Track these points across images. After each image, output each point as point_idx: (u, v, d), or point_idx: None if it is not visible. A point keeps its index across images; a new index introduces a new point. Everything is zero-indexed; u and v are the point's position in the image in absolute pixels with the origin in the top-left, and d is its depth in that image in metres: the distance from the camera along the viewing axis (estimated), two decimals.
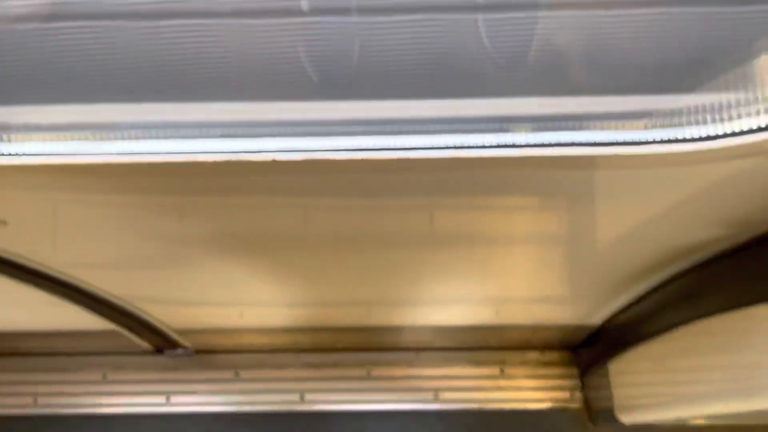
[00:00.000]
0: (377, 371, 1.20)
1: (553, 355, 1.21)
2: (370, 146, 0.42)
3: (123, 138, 0.42)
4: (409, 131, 0.42)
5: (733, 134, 0.39)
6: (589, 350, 1.15)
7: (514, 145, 0.42)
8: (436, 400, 1.18)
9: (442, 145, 0.42)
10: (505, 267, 0.88)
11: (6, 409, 1.18)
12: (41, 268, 0.79)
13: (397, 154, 0.42)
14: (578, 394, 1.18)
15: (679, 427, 1.11)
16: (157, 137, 0.42)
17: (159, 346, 1.20)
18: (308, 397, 1.19)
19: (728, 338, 0.77)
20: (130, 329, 1.09)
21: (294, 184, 0.55)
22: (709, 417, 0.87)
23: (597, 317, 1.07)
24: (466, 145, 0.42)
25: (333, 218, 0.69)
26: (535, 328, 1.14)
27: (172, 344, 1.19)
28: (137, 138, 0.42)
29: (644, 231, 0.68)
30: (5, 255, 0.72)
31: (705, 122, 0.39)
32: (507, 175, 0.51)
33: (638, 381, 1.03)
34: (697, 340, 0.84)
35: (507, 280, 0.94)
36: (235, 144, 0.42)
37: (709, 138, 0.39)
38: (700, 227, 0.65)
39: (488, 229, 0.74)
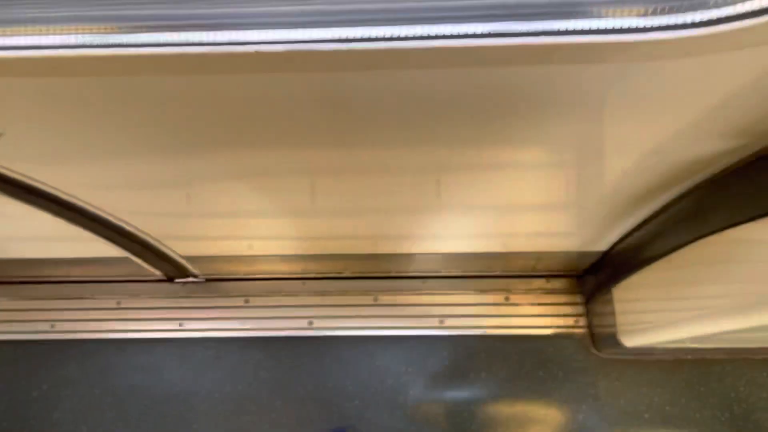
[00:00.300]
0: (384, 298, 1.22)
1: (558, 283, 1.22)
2: (360, 36, 0.41)
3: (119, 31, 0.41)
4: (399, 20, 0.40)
5: (744, 16, 0.37)
6: (593, 277, 1.16)
7: (506, 34, 0.40)
8: (441, 326, 1.20)
9: (433, 34, 0.40)
10: (509, 193, 0.88)
11: (24, 334, 1.22)
12: (46, 189, 0.79)
13: (389, 44, 0.41)
14: (582, 320, 1.19)
15: (678, 350, 1.13)
16: (147, 29, 0.41)
17: (170, 274, 1.23)
18: (316, 323, 1.21)
19: (730, 256, 0.78)
20: (141, 256, 1.10)
21: (293, 95, 0.55)
22: (709, 337, 0.88)
23: (602, 243, 1.07)
24: (457, 34, 0.40)
25: (337, 139, 0.69)
26: (540, 256, 1.15)
27: (183, 272, 1.21)
28: (133, 30, 0.41)
29: (649, 145, 0.68)
30: (7, 173, 0.72)
31: (709, 5, 0.38)
32: (504, 80, 0.50)
33: (641, 305, 1.04)
34: (699, 261, 0.85)
35: (511, 208, 0.94)
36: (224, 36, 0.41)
37: (715, 22, 0.38)
38: (708, 138, 0.64)
39: (491, 151, 0.73)
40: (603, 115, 0.61)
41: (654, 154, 0.70)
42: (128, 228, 1.00)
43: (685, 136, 0.64)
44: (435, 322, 1.21)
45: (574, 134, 0.67)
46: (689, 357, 1.17)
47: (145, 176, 0.82)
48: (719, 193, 0.70)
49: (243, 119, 0.63)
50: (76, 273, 1.22)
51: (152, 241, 1.06)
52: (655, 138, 0.66)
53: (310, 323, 1.21)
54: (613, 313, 1.12)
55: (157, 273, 1.20)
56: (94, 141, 0.69)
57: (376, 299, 1.23)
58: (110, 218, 0.95)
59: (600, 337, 1.17)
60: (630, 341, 1.07)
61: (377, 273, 1.25)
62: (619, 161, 0.74)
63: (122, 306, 1.22)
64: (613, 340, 1.11)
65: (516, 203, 0.92)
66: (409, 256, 1.15)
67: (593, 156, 0.74)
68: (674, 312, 0.92)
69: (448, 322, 1.21)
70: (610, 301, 1.13)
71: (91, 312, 1.22)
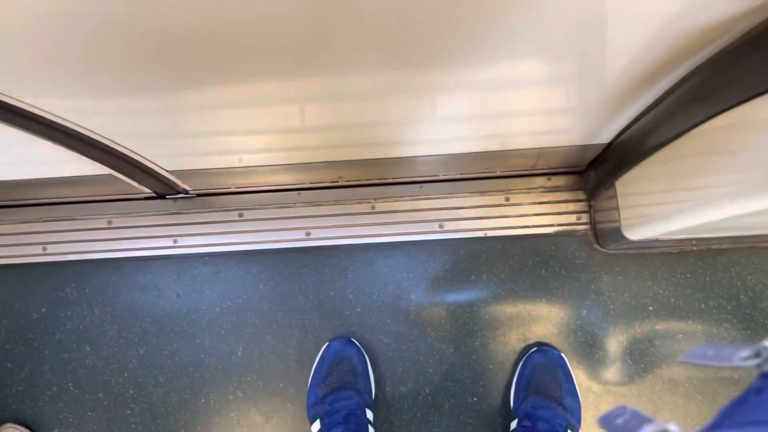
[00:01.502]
0: (381, 205, 1.19)
1: (560, 180, 1.19)
2: None
3: None
4: None
5: None
6: (596, 172, 1.12)
7: None
8: (441, 230, 1.18)
9: None
10: (508, 84, 0.82)
11: (16, 258, 1.20)
12: (13, 102, 0.75)
13: None
14: (585, 217, 1.17)
15: (683, 241, 1.11)
16: None
17: (159, 191, 1.19)
18: (314, 233, 1.19)
19: (733, 142, 0.74)
20: (126, 174, 1.07)
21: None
22: (713, 225, 0.85)
23: (604, 135, 1.03)
24: None
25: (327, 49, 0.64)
26: (540, 152, 1.11)
27: (173, 188, 1.17)
28: None
29: (652, 17, 0.62)
30: None
31: None
32: None
33: (645, 198, 1.01)
34: (702, 150, 0.81)
35: (510, 100, 0.89)
36: None
37: None
38: (718, 1, 0.58)
39: (484, 47, 0.68)
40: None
41: (658, 27, 0.65)
42: (111, 145, 0.95)
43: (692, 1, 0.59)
44: (435, 226, 1.18)
45: (570, 16, 0.61)
46: (694, 248, 1.15)
47: (126, 93, 0.77)
48: (729, 68, 0.65)
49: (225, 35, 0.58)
50: (63, 194, 1.19)
51: (137, 158, 1.02)
52: (658, 8, 0.60)
53: (308, 234, 1.19)
54: (616, 208, 1.09)
55: (146, 190, 1.17)
56: (75, 57, 0.64)
57: (373, 207, 1.20)
58: (93, 136, 0.91)
59: (603, 233, 1.14)
60: (634, 234, 1.04)
61: (373, 180, 1.21)
62: (619, 40, 0.69)
63: (114, 225, 1.20)
64: (616, 235, 1.08)
65: (513, 96, 0.87)
66: (405, 161, 1.11)
67: (591, 37, 0.68)
68: (677, 203, 0.89)
69: (448, 225, 1.18)
70: (614, 196, 1.10)
71: (83, 233, 1.20)
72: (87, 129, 0.87)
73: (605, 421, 0.37)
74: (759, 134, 0.68)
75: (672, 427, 0.31)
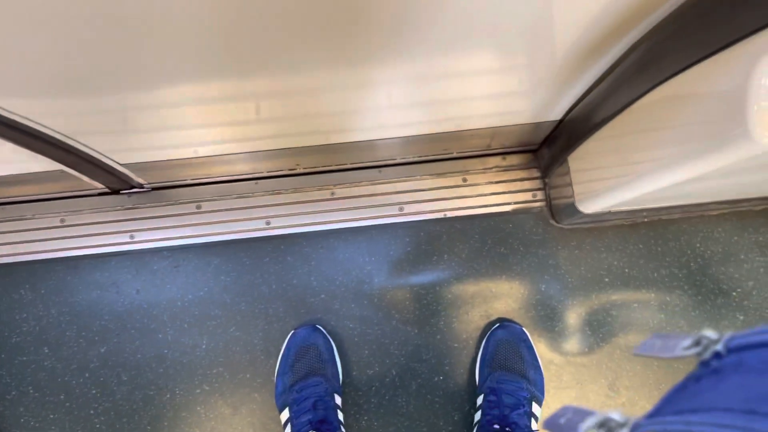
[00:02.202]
0: (341, 191, 1.20)
1: (514, 159, 1.21)
2: None
3: None
4: None
5: None
6: (549, 149, 1.15)
7: None
8: (401, 213, 1.19)
9: None
10: (460, 67, 0.83)
11: None
12: None
13: None
14: (540, 194, 1.19)
15: (635, 212, 1.15)
16: None
17: (113, 186, 1.17)
18: (274, 222, 1.18)
19: (671, 110, 0.76)
20: (78, 169, 1.04)
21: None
22: (661, 192, 0.88)
23: (555, 112, 1.05)
24: None
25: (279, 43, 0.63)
26: (494, 132, 1.13)
27: (126, 183, 1.15)
28: None
29: None
30: None
31: None
32: None
33: (596, 173, 1.04)
34: (646, 124, 0.84)
35: (463, 82, 0.90)
36: None
37: None
38: None
39: (435, 33, 0.68)
40: None
41: (597, 3, 0.67)
42: (61, 140, 0.93)
43: None
44: (394, 210, 1.19)
45: None
46: (645, 219, 1.19)
47: (76, 87, 0.75)
48: (672, 35, 0.68)
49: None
50: (12, 193, 1.15)
51: (89, 152, 0.99)
52: None
53: (268, 223, 1.18)
54: (569, 183, 1.11)
55: (99, 186, 1.14)
56: (20, 51, 0.62)
57: (332, 193, 1.20)
58: (42, 130, 0.88)
59: (558, 208, 1.17)
60: (587, 208, 1.07)
61: (331, 166, 1.21)
62: (563, 15, 0.70)
63: (67, 223, 1.17)
64: (571, 209, 1.11)
65: (465, 78, 0.88)
66: (362, 145, 1.11)
67: (536, 11, 0.70)
68: (625, 175, 0.92)
69: (408, 208, 1.19)
70: (567, 172, 1.12)
71: (35, 232, 1.17)
72: (36, 123, 0.85)
73: (549, 423, 0.38)
74: (691, 106, 0.71)
75: (614, 415, 0.32)
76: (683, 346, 0.35)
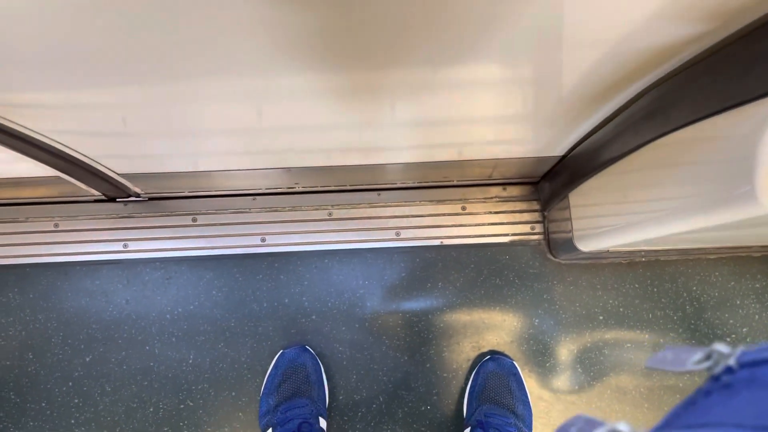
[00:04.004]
0: (339, 212, 1.19)
1: (515, 190, 1.20)
2: None
3: None
4: None
5: None
6: (550, 183, 1.14)
7: None
8: (398, 238, 1.18)
9: None
10: (466, 97, 0.83)
11: None
12: None
13: None
14: (538, 227, 1.18)
15: (633, 252, 1.14)
16: None
17: (109, 193, 1.16)
18: (269, 239, 1.17)
19: (681, 157, 0.76)
20: (74, 176, 1.03)
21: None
22: (661, 239, 0.88)
23: (559, 148, 1.05)
24: None
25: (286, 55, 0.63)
26: (497, 163, 1.12)
27: (123, 191, 1.14)
28: None
29: (606, 36, 0.63)
30: None
31: None
32: None
33: (597, 210, 1.03)
34: (652, 164, 0.83)
35: (468, 112, 0.89)
36: None
37: None
38: (671, 25, 0.60)
39: (444, 61, 0.68)
40: (556, 5, 0.56)
41: (612, 47, 0.66)
42: (57, 147, 0.92)
43: (647, 23, 0.60)
44: (391, 234, 1.18)
45: (527, 33, 0.62)
46: (643, 259, 1.18)
47: (74, 94, 0.74)
48: (682, 88, 0.67)
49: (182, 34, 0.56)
50: (6, 195, 1.14)
51: (86, 160, 0.98)
52: (613, 28, 0.61)
53: (263, 240, 1.17)
54: (569, 219, 1.11)
55: (95, 193, 1.13)
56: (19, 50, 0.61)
57: (330, 213, 1.19)
58: (39, 138, 0.87)
59: (556, 243, 1.16)
60: (585, 246, 1.06)
61: (330, 186, 1.20)
62: (574, 58, 0.70)
63: (60, 228, 1.16)
64: (569, 245, 1.10)
65: (471, 108, 0.88)
66: (363, 168, 1.10)
67: (547, 55, 0.69)
68: (627, 215, 0.92)
69: (405, 233, 1.18)
70: (567, 207, 1.12)
71: (27, 235, 1.15)
72: (32, 130, 0.84)
73: None
74: (699, 156, 0.70)
75: (622, 426, 0.32)
76: (694, 360, 0.35)
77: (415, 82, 0.77)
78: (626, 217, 0.92)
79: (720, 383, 0.32)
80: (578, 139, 0.99)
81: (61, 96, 0.75)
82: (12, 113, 0.79)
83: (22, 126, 0.82)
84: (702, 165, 0.72)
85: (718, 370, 0.33)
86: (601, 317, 1.16)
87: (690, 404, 0.33)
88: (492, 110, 0.90)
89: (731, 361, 0.33)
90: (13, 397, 1.14)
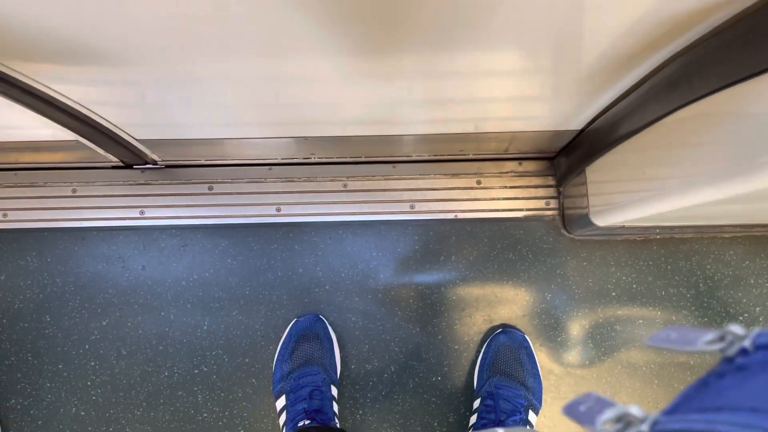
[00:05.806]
0: (354, 183, 1.19)
1: (531, 165, 1.20)
2: None
3: None
4: None
5: None
6: (567, 158, 1.14)
7: None
8: (412, 211, 1.18)
9: None
10: (484, 69, 0.82)
11: None
12: None
13: None
14: (554, 202, 1.18)
15: (648, 228, 1.14)
16: None
17: (126, 160, 1.16)
18: (284, 209, 1.18)
19: (701, 131, 0.75)
20: (94, 140, 1.04)
21: None
22: (678, 212, 0.87)
23: (577, 122, 1.04)
24: None
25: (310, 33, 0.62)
26: (513, 137, 1.12)
27: (141, 158, 1.15)
28: None
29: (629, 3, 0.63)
30: None
31: None
32: None
33: (614, 186, 1.03)
34: (671, 139, 0.83)
35: (486, 85, 0.89)
36: None
37: None
38: None
39: (462, 32, 0.67)
40: None
41: (636, 12, 0.65)
42: (80, 110, 0.92)
43: None
44: (406, 206, 1.18)
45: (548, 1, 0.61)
46: (658, 236, 1.18)
47: (100, 60, 0.74)
48: (705, 57, 0.66)
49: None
50: (26, 159, 1.15)
51: (106, 125, 0.99)
52: None
53: (278, 209, 1.17)
54: (585, 194, 1.10)
55: (113, 159, 1.14)
56: (48, 20, 0.61)
57: (345, 185, 1.19)
58: (62, 100, 0.88)
59: (571, 218, 1.16)
60: (601, 221, 1.06)
61: (346, 158, 1.21)
62: (596, 25, 0.69)
63: (78, 194, 1.17)
64: (584, 221, 1.10)
65: (489, 80, 0.87)
66: (379, 139, 1.10)
67: (568, 22, 0.68)
68: (644, 191, 0.91)
69: (419, 206, 1.18)
70: (583, 182, 1.11)
71: (46, 200, 1.17)
72: (56, 92, 0.84)
73: (569, 409, 0.37)
74: (720, 126, 0.70)
75: (633, 409, 0.31)
76: (706, 341, 0.33)
77: (433, 58, 0.76)
78: (643, 192, 0.92)
79: (734, 365, 0.31)
80: (597, 112, 0.98)
81: (89, 65, 0.76)
82: (34, 72, 0.79)
83: (47, 87, 0.83)
84: (725, 137, 0.72)
85: (732, 351, 0.32)
86: (613, 293, 1.16)
87: (702, 386, 0.32)
88: (511, 84, 0.89)
89: (746, 343, 0.32)
90: (30, 358, 1.16)
